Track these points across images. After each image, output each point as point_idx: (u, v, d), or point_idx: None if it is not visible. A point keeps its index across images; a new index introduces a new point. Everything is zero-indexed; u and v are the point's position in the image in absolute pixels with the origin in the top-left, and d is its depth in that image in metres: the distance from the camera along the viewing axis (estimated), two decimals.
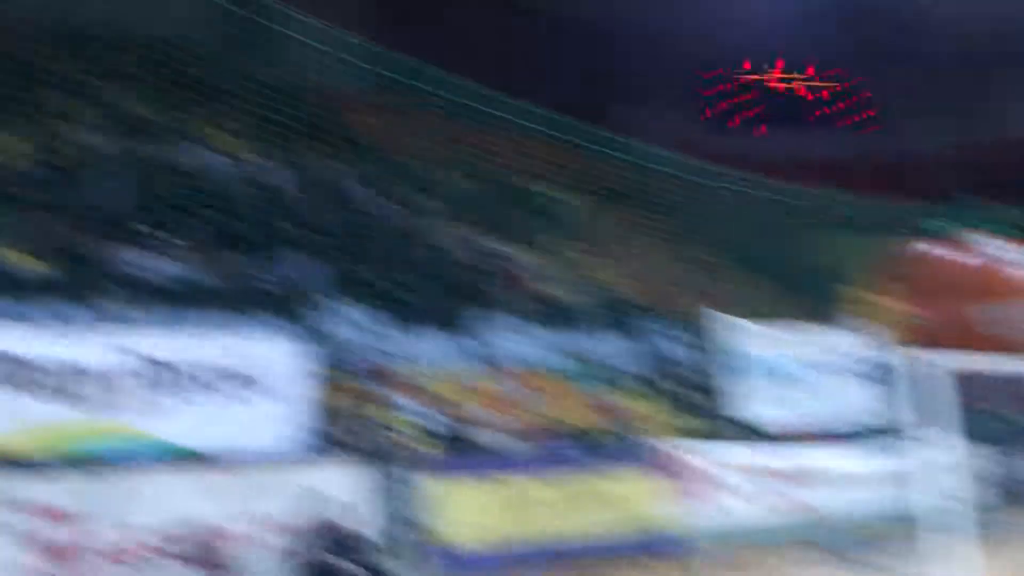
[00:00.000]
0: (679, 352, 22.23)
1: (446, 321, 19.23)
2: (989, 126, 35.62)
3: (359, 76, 21.07)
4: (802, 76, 37.70)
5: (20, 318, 14.36)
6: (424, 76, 17.74)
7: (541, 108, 20.64)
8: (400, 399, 17.06)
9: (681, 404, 19.79)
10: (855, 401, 16.78)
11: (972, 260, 16.39)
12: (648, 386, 20.59)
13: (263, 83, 23.77)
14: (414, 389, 17.20)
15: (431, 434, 16.17)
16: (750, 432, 16.42)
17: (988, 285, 15.90)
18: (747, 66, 36.78)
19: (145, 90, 21.71)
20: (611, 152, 24.43)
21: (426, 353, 18.80)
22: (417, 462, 13.45)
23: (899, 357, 12.70)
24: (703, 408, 18.82)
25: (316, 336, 16.88)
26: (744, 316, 16.92)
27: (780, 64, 37.22)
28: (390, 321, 18.46)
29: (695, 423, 18.51)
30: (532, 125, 22.58)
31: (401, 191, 22.94)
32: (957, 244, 16.68)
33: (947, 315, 15.27)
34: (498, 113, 23.16)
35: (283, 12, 17.01)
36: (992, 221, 21.26)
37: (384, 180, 23.21)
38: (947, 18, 31.38)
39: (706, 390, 19.19)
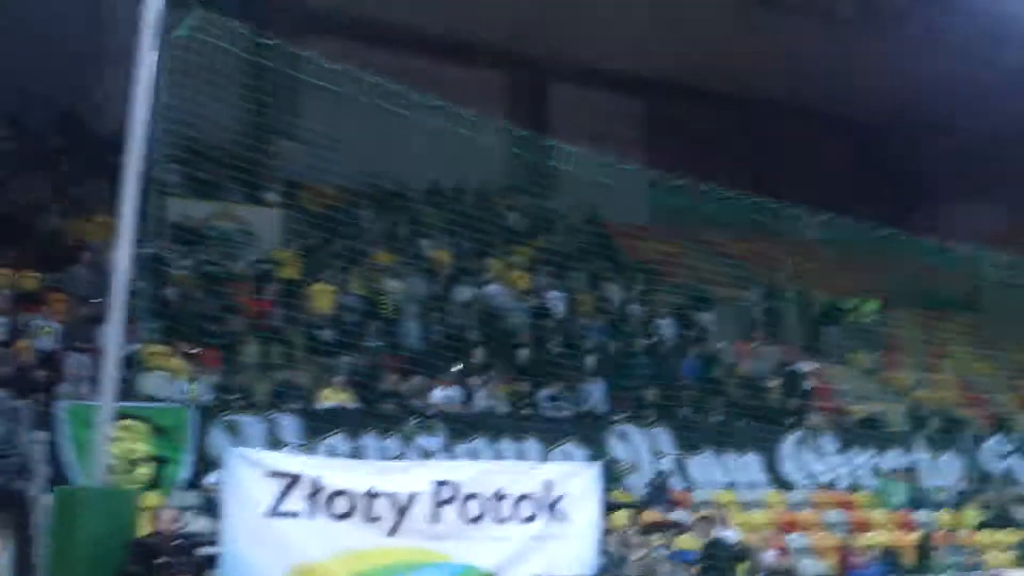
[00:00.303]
0: (1011, 467, 20.65)
1: (747, 442, 18.81)
2: None
3: (642, 202, 21.50)
4: None
5: (336, 451, 15.40)
6: (706, 195, 17.78)
7: (838, 216, 20.04)
8: (698, 523, 16.76)
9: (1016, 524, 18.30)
10: None
11: None
12: (978, 506, 19.18)
13: (548, 219, 24.71)
14: (714, 513, 16.84)
15: (734, 560, 15.74)
16: None
17: None
18: None
19: (442, 235, 23.09)
20: (923, 257, 23.21)
21: (726, 476, 18.44)
22: None
23: None
24: None
25: (611, 461, 17.00)
26: None
27: None
28: (688, 444, 18.26)
29: None
30: (827, 235, 21.96)
31: (694, 314, 22.89)
32: None
33: None
34: (788, 225, 22.73)
35: (560, 148, 17.73)
36: None
37: (678, 304, 23.29)
38: None
39: None
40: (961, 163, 30.25)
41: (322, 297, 19.05)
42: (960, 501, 19.49)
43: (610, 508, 15.39)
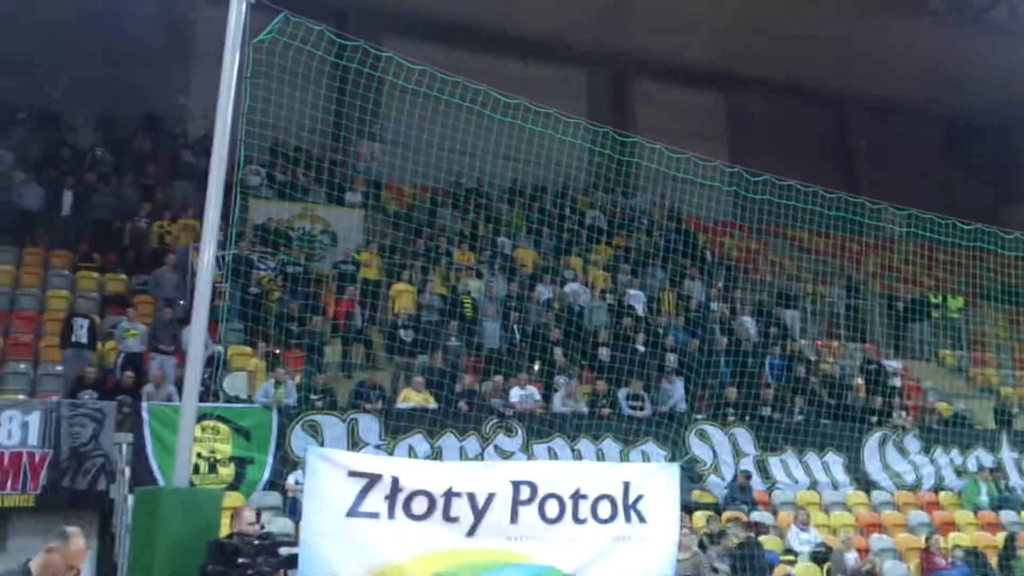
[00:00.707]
0: None
1: (830, 442, 18.49)
2: None
3: (724, 198, 21.20)
4: None
5: (415, 451, 15.50)
6: (789, 191, 17.50)
7: (924, 211, 19.62)
8: (783, 524, 16.56)
9: None
10: None
11: None
12: None
13: (629, 216, 24.55)
14: (798, 514, 16.63)
15: (817, 560, 15.53)
16: None
17: None
18: None
19: (523, 234, 23.09)
20: (1010, 252, 22.56)
21: (807, 476, 18.14)
22: None
23: None
24: None
25: (691, 461, 16.84)
26: None
27: None
28: (769, 444, 18.01)
29: None
30: (913, 230, 21.50)
31: (776, 311, 22.55)
32: None
33: None
34: (873, 221, 22.27)
35: (642, 145, 17.60)
36: None
37: (760, 302, 22.98)
38: None
39: None
40: None
41: (403, 297, 19.17)
42: None
43: (695, 509, 15.31)
